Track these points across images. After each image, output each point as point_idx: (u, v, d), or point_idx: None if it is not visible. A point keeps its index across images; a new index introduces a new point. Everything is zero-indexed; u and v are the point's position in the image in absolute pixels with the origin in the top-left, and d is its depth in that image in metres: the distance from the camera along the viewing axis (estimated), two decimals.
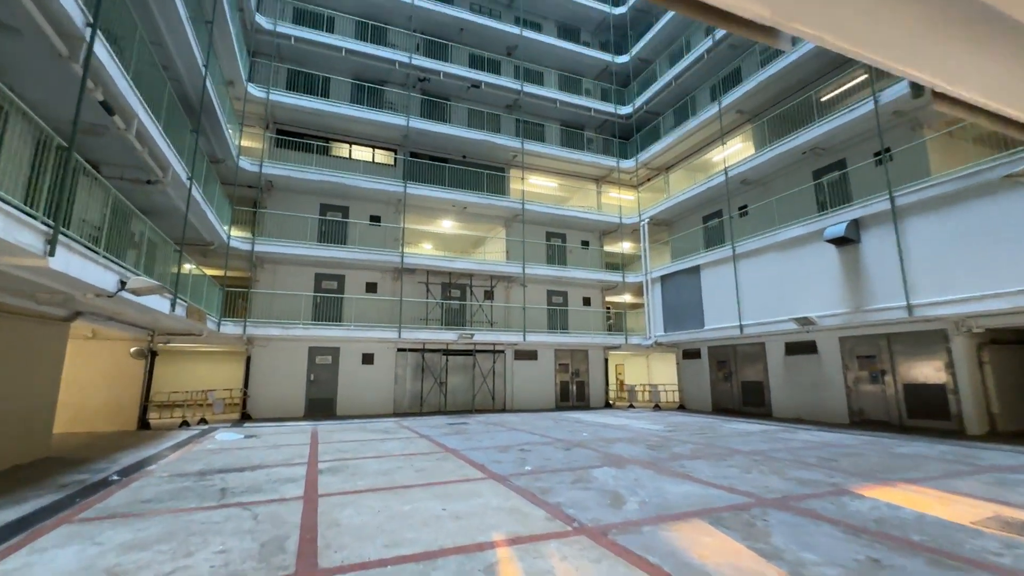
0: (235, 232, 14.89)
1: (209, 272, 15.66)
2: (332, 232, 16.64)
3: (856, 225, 11.57)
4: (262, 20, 15.49)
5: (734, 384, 16.11)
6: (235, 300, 14.71)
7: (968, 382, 10.30)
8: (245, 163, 14.56)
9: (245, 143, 16.18)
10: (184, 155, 9.30)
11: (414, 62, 17.62)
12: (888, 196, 10.82)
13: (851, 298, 11.66)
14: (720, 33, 16.46)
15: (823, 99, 14.30)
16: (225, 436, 10.18)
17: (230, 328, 13.41)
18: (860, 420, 12.19)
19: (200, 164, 10.68)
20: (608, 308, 21.08)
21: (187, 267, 11.40)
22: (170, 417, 13.01)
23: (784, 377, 14.29)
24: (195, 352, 18.67)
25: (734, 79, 17.21)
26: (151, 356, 12.33)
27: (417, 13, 18.41)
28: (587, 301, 20.20)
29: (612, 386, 22.20)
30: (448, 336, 16.21)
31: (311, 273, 16.12)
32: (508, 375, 17.77)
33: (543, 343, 18.08)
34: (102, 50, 5.54)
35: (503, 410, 17.24)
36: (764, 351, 15.01)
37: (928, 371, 11.04)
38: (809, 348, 13.63)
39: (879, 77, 12.09)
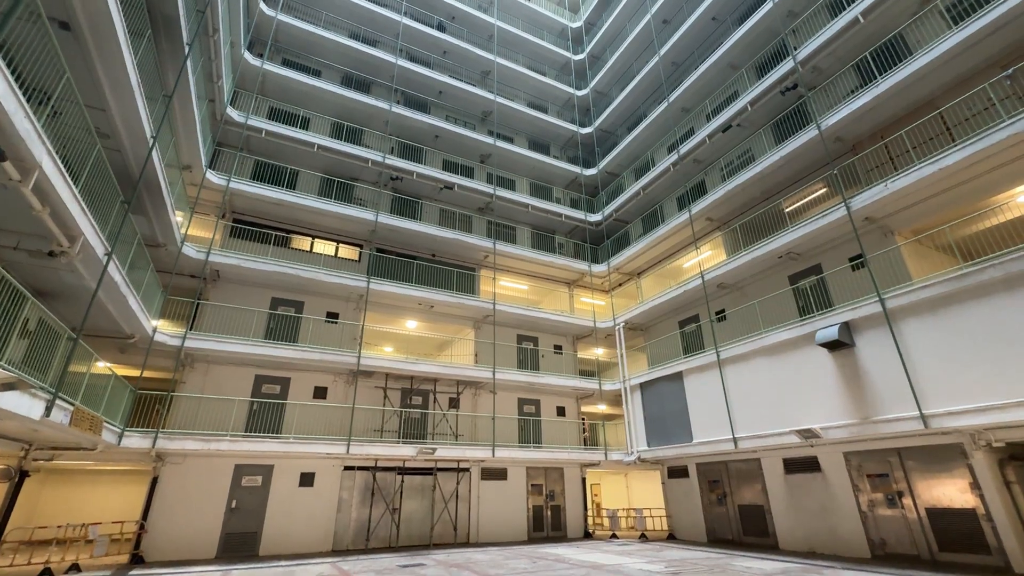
0: (166, 326, 13.01)
1: (124, 371, 13.44)
2: (281, 328, 14.92)
3: (848, 328, 11.02)
4: (233, 113, 15.24)
5: (730, 508, 14.25)
6: (151, 405, 12.35)
7: (1001, 507, 9.07)
8: (190, 250, 13.19)
9: (196, 231, 14.97)
10: (107, 230, 7.95)
11: (388, 161, 17.58)
12: (877, 298, 10.44)
13: (855, 408, 10.68)
14: (685, 148, 17.38)
15: (787, 210, 14.73)
16: None
17: (135, 441, 10.93)
18: (884, 554, 10.52)
19: (129, 243, 9.30)
20: (583, 419, 19.38)
21: (99, 364, 9.43)
22: (28, 563, 9.86)
23: (787, 500, 12.66)
24: (92, 471, 15.39)
25: (700, 190, 17.89)
26: (19, 477, 9.63)
27: (394, 119, 18.86)
28: (561, 411, 18.51)
29: (590, 510, 19.64)
30: (405, 451, 13.99)
31: (251, 375, 14.04)
32: (473, 499, 15.27)
33: (514, 459, 15.95)
34: None
35: (467, 543, 14.48)
36: (760, 468, 13.51)
37: (951, 493, 9.79)
38: (811, 465, 12.28)
39: (847, 186, 12.53)
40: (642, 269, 20.44)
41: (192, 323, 13.39)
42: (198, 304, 13.74)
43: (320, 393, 14.69)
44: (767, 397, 12.71)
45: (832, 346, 11.11)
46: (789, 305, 13.82)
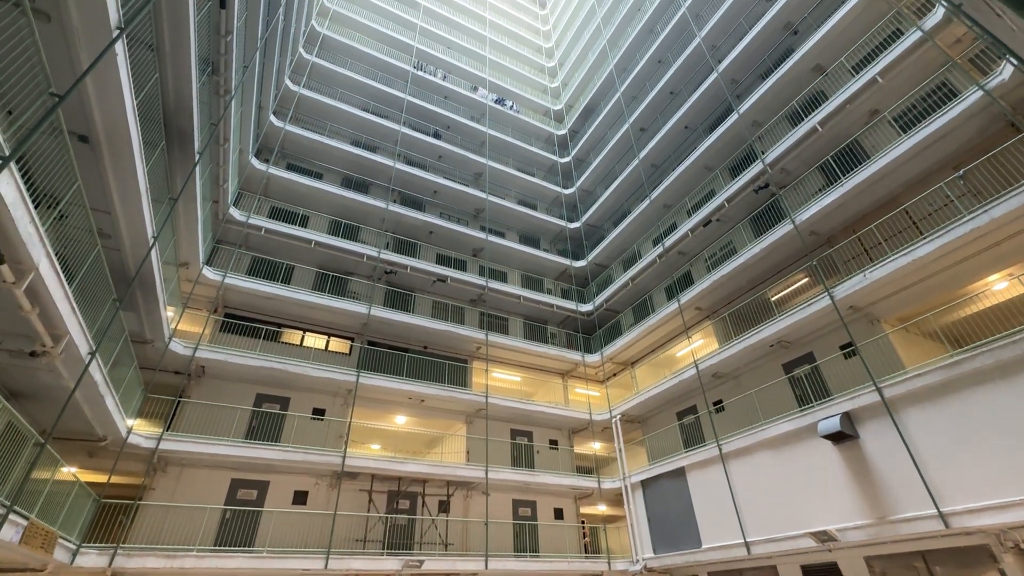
0: (142, 426, 12.38)
1: (90, 477, 12.57)
2: (264, 427, 14.26)
3: (850, 419, 10.75)
4: (235, 212, 15.86)
5: None
6: (113, 516, 11.35)
7: None
8: (177, 346, 12.98)
9: (185, 326, 14.85)
10: (94, 328, 7.86)
11: (383, 256, 18.05)
12: (874, 387, 10.32)
13: (869, 506, 10.08)
14: (669, 241, 18.13)
15: (773, 299, 15.04)
16: None
17: (91, 559, 9.88)
18: None
19: (115, 340, 9.15)
20: (583, 522, 18.03)
21: (64, 470, 8.81)
22: None
23: None
24: None
25: (687, 280, 18.36)
26: None
27: (390, 216, 19.71)
28: (559, 513, 17.27)
29: None
30: (390, 565, 12.73)
31: (227, 479, 13.15)
32: None
33: (509, 572, 14.52)
34: (7, 178, 4.66)
35: None
36: None
37: None
38: (831, 572, 11.30)
39: (827, 276, 12.93)
40: (636, 358, 20.29)
41: (170, 423, 12.78)
42: (178, 402, 13.22)
43: (300, 498, 13.68)
44: (776, 495, 12.02)
45: (836, 438, 10.75)
46: (786, 395, 13.59)
